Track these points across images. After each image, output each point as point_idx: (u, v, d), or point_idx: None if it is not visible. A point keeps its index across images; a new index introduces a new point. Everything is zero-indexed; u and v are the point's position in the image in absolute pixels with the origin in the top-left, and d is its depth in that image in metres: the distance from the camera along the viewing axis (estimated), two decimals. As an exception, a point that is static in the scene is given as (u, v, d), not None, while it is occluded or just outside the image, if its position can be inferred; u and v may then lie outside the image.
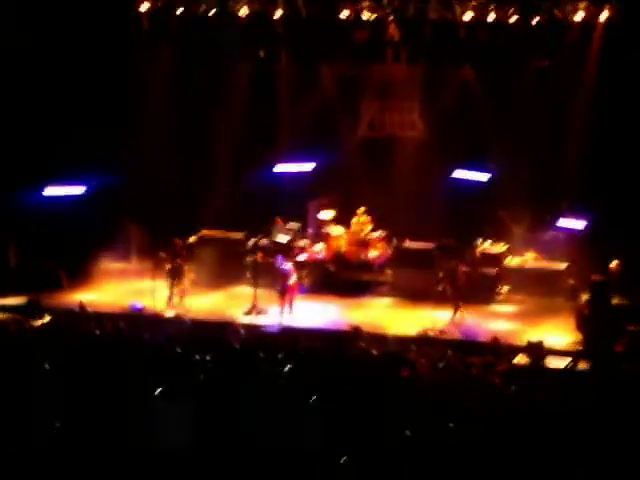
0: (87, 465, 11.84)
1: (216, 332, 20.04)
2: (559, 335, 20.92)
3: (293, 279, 22.92)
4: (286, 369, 15.82)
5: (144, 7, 26.24)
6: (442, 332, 21.50)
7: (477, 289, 23.49)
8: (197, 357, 16.59)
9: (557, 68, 24.44)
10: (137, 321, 21.22)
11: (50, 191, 24.20)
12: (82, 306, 21.61)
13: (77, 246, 24.66)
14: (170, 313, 22.17)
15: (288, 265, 23.07)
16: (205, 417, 13.09)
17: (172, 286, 23.40)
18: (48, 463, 11.82)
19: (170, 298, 23.29)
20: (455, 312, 21.96)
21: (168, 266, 23.53)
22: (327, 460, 12.02)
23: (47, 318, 21.20)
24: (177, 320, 21.17)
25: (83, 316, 21.16)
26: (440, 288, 22.16)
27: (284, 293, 22.68)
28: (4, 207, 23.61)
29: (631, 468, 12.12)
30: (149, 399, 13.17)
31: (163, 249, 23.90)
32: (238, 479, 12.10)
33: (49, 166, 24.27)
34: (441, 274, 22.51)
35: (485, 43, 25.03)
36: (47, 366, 15.22)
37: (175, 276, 23.45)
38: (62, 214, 24.12)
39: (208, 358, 16.33)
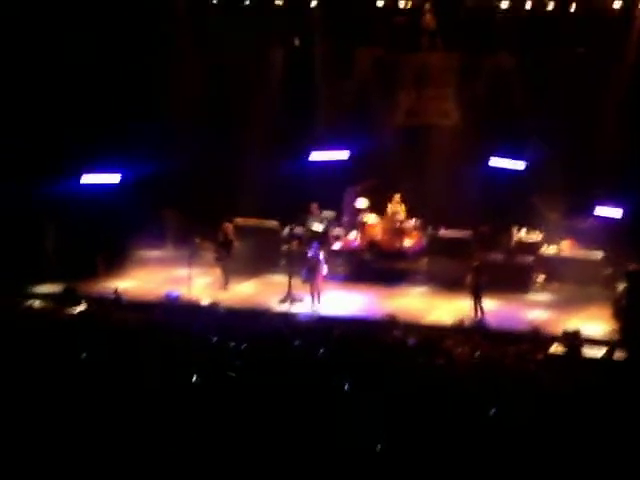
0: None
1: (251, 320, 20.11)
2: (595, 324, 20.83)
3: (325, 268, 22.92)
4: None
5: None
6: (478, 321, 21.45)
7: (512, 278, 23.43)
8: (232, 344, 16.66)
9: (594, 55, 24.28)
10: (173, 309, 21.31)
11: (87, 179, 24.34)
12: (117, 294, 21.73)
13: (113, 234, 24.81)
14: (205, 301, 22.17)
15: (321, 254, 23.08)
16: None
17: (224, 270, 23.61)
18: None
19: (226, 281, 23.58)
20: (476, 304, 21.80)
21: (217, 251, 23.92)
22: (361, 449, 12.02)
23: (83, 306, 21.32)
24: (212, 308, 21.18)
25: (118, 304, 21.28)
26: (468, 280, 22.04)
27: (315, 282, 22.68)
28: (42, 195, 23.72)
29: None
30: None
31: (202, 235, 24.10)
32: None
33: (86, 154, 24.37)
34: (475, 264, 22.37)
35: (521, 30, 24.90)
36: (83, 354, 15.31)
37: (224, 260, 23.65)
38: (99, 202, 24.26)
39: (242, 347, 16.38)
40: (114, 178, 24.58)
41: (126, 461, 11.66)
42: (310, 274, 22.72)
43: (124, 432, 12.03)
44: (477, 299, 21.75)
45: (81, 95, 24.72)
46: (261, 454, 11.91)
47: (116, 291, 21.86)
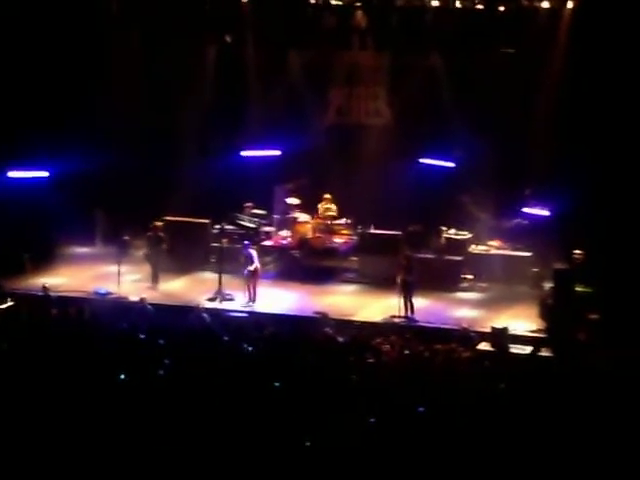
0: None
1: (180, 317, 20.03)
2: (522, 322, 21.02)
3: (256, 265, 22.88)
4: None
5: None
6: (408, 319, 21.55)
7: (442, 276, 23.59)
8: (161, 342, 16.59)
9: (523, 56, 24.49)
10: (101, 306, 21.15)
11: (14, 174, 24.03)
12: (45, 289, 21.50)
13: (41, 230, 24.54)
14: (134, 298, 21.96)
15: (253, 251, 23.05)
16: None
17: (154, 267, 23.52)
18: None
19: (155, 279, 23.47)
20: (406, 301, 21.89)
21: (147, 249, 23.78)
22: (291, 445, 12.02)
23: (9, 302, 21.06)
24: (140, 305, 21.05)
25: (46, 300, 21.06)
26: (398, 278, 22.12)
27: (249, 279, 22.64)
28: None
29: (588, 453, 12.22)
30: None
31: (132, 233, 23.95)
32: None
33: (12, 149, 24.07)
34: (404, 262, 22.43)
35: (451, 30, 25.06)
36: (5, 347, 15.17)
37: (155, 258, 23.54)
38: (26, 198, 23.97)
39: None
40: (42, 173, 24.27)
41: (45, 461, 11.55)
42: (246, 271, 22.66)
43: (45, 430, 11.92)
44: (407, 297, 21.84)
45: (11, 89, 24.41)
46: (188, 453, 11.86)
47: (44, 287, 21.60)
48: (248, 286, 22.59)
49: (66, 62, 25.14)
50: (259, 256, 23.45)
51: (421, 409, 13.11)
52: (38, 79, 24.75)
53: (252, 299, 22.55)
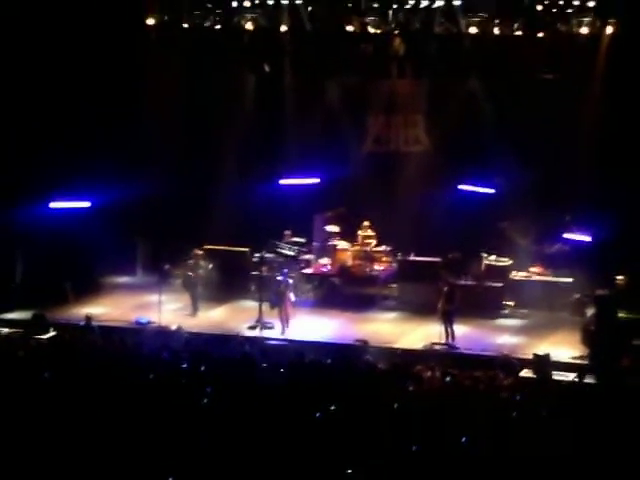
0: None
1: (220, 346, 20.04)
2: (565, 349, 20.86)
3: (292, 295, 22.90)
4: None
5: (151, 21, 26.30)
6: (449, 346, 21.46)
7: (482, 303, 23.48)
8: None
9: (562, 81, 24.41)
10: (142, 335, 21.23)
11: (56, 205, 24.22)
12: (87, 319, 21.60)
13: (83, 260, 24.70)
14: (173, 326, 22.01)
15: (290, 279, 23.08)
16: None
17: (194, 296, 23.64)
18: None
19: (195, 308, 23.53)
20: (447, 328, 21.79)
21: (185, 277, 23.89)
22: (332, 474, 11.97)
23: (52, 332, 21.19)
24: (180, 334, 21.11)
25: (88, 330, 21.16)
26: (439, 306, 22.04)
27: (283, 307, 22.64)
28: (10, 221, 23.58)
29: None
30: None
31: (172, 262, 24.07)
32: None
33: (56, 180, 24.28)
34: (445, 289, 22.36)
35: (490, 56, 25.04)
36: (49, 379, 15.23)
37: (194, 286, 23.62)
38: (68, 228, 24.14)
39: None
40: (84, 204, 24.45)
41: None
42: (278, 299, 22.69)
43: (88, 460, 11.94)
44: (448, 324, 21.76)
45: (51, 120, 24.63)
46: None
47: (87, 317, 21.70)
48: (281, 314, 22.59)
49: (105, 91, 25.31)
50: (299, 284, 23.45)
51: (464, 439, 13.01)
52: (79, 110, 24.94)
53: (286, 327, 22.55)
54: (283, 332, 22.46)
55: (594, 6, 23.94)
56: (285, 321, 22.60)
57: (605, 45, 24.18)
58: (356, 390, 15.63)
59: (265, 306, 22.92)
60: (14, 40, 24.11)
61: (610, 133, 23.50)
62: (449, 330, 21.72)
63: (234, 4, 25.94)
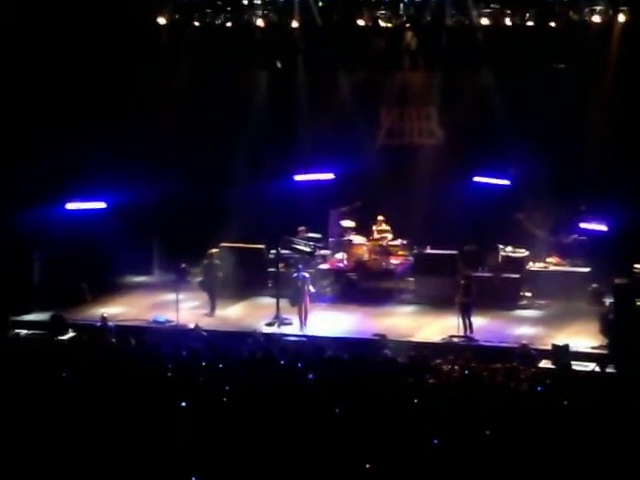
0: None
1: (238, 343, 20.08)
2: (583, 339, 20.82)
3: (311, 289, 22.91)
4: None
5: (162, 20, 26.33)
6: (467, 339, 21.44)
7: (500, 295, 23.44)
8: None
9: (575, 70, 24.34)
10: (160, 334, 21.28)
11: (72, 206, 24.27)
12: (104, 319, 21.65)
13: (100, 260, 24.77)
14: (191, 325, 22.04)
15: (307, 275, 23.08)
16: None
17: (211, 294, 23.61)
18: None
19: (213, 306, 23.49)
20: (465, 321, 21.76)
21: (202, 275, 23.83)
22: (352, 469, 11.96)
23: (71, 333, 21.26)
24: (198, 332, 21.14)
25: (105, 330, 21.22)
26: (456, 298, 22.00)
27: (302, 303, 22.65)
28: (27, 223, 23.65)
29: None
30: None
31: (188, 261, 24.10)
32: None
33: (70, 182, 24.34)
34: (462, 281, 22.32)
35: (502, 47, 24.98)
36: (70, 379, 15.28)
37: (211, 284, 23.61)
38: (84, 229, 24.20)
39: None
40: (100, 205, 24.49)
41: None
42: (297, 295, 22.69)
43: (106, 459, 11.97)
44: (466, 316, 21.73)
45: (67, 123, 24.67)
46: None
47: (103, 317, 21.76)
48: (300, 310, 22.60)
49: (118, 92, 25.36)
50: (316, 280, 23.44)
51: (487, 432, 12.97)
52: (94, 112, 24.98)
53: (304, 323, 22.56)
54: (301, 328, 22.47)
55: (606, -6, 23.89)
56: (304, 317, 22.60)
57: (617, 33, 24.12)
58: (375, 384, 15.63)
59: (283, 302, 22.92)
60: (32, 45, 24.18)
61: (624, 121, 23.42)
62: (467, 322, 21.69)
63: (245, 1, 25.99)
